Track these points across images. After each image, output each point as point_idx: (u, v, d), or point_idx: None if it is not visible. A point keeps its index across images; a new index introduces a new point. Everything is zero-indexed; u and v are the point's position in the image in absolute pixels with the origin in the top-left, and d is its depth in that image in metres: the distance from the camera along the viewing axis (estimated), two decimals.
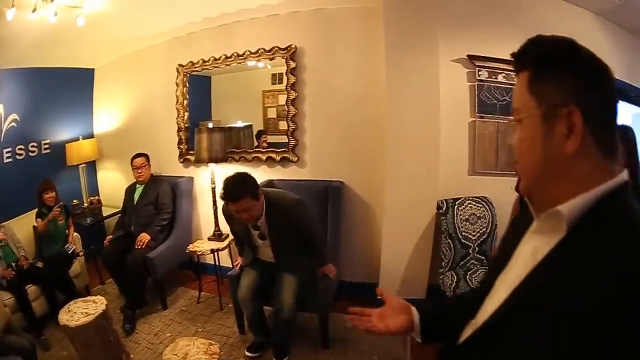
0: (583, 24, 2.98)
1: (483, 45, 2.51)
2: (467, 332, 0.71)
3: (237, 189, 1.98)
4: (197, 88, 3.40)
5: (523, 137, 0.60)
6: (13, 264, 2.73)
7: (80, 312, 2.27)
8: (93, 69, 3.93)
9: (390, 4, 2.45)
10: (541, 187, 0.60)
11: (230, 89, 3.40)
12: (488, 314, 0.64)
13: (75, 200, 3.68)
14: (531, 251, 0.61)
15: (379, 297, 0.91)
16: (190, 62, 3.29)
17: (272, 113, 3.18)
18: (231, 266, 2.78)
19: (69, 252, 3.04)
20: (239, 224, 2.21)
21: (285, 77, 2.91)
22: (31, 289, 2.71)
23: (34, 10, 2.31)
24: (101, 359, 2.31)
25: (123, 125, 3.83)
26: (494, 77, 2.57)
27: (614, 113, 0.57)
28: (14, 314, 2.54)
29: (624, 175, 0.56)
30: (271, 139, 3.18)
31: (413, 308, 0.83)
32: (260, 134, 3.21)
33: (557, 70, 0.56)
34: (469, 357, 0.68)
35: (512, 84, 2.39)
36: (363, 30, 2.71)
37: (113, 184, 3.84)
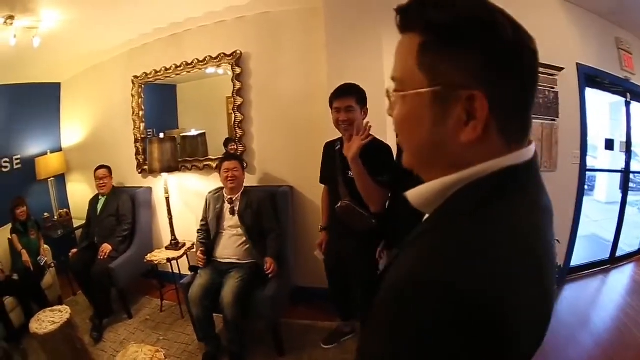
0: (548, 11, 2.85)
1: None
2: None
3: (233, 155, 2.65)
4: (163, 97, 3.43)
5: (405, 116, 0.50)
6: None
7: (48, 320, 2.38)
8: (59, 83, 4.02)
9: (331, 3, 2.40)
10: (423, 165, 0.52)
11: (195, 96, 3.41)
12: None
13: (46, 214, 3.78)
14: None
15: None
16: (144, 73, 3.32)
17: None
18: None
19: (41, 263, 3.14)
20: (216, 200, 2.57)
21: (231, 84, 2.89)
22: (8, 301, 2.82)
23: None
24: None
25: (88, 138, 3.91)
26: None
27: (529, 101, 0.47)
28: None
29: (513, 157, 0.45)
30: None
31: None
32: (227, 141, 3.17)
33: (462, 44, 0.44)
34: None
35: None
36: (307, 32, 2.67)
37: (82, 196, 3.91)
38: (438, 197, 0.48)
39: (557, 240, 2.18)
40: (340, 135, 1.94)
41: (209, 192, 2.68)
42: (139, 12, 2.76)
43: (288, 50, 2.75)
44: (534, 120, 2.28)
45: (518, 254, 0.40)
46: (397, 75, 0.51)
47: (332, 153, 2.08)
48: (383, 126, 2.07)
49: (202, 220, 2.67)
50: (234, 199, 2.51)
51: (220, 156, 2.94)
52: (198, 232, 2.66)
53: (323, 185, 2.28)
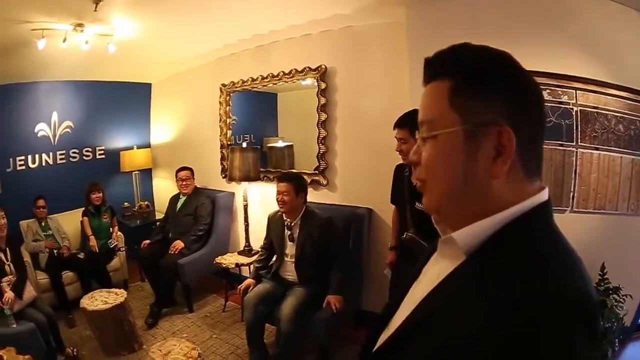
0: (635, 31, 2.55)
1: (521, 58, 2.19)
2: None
3: (287, 176, 2.42)
4: (264, 105, 3.53)
5: (437, 155, 0.53)
6: (55, 251, 3.15)
7: (100, 299, 2.60)
8: (150, 84, 4.32)
9: (414, 18, 2.30)
10: (451, 207, 0.54)
11: (293, 106, 3.44)
12: (391, 330, 0.61)
13: (126, 203, 4.06)
14: (437, 272, 0.57)
15: None
16: (232, 81, 3.46)
17: None
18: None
19: (111, 247, 3.40)
20: (277, 223, 2.45)
21: (316, 99, 2.90)
22: (68, 275, 3.14)
23: (64, 40, 2.53)
24: (113, 343, 2.59)
25: (175, 138, 4.15)
26: None
27: (543, 136, 0.53)
28: (46, 292, 3.02)
29: (543, 195, 0.51)
30: None
31: None
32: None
33: (489, 86, 0.50)
34: None
35: (559, 102, 2.06)
36: (391, 47, 2.57)
37: (166, 191, 4.09)
38: (487, 235, 0.50)
39: (630, 295, 1.95)
40: None
41: (271, 213, 2.58)
42: (221, 25, 2.84)
43: (373, 66, 2.70)
44: (623, 156, 1.92)
45: (581, 262, 0.48)
46: (428, 118, 0.54)
47: (401, 176, 2.07)
48: None
49: (264, 240, 2.62)
50: (292, 224, 2.36)
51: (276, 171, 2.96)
52: (260, 251, 2.65)
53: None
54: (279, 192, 2.32)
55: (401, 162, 2.11)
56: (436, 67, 0.55)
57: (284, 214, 2.40)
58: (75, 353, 2.59)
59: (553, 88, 2.15)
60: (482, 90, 0.50)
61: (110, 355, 2.58)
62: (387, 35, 2.59)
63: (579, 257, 0.48)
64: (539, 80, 2.28)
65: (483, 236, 0.49)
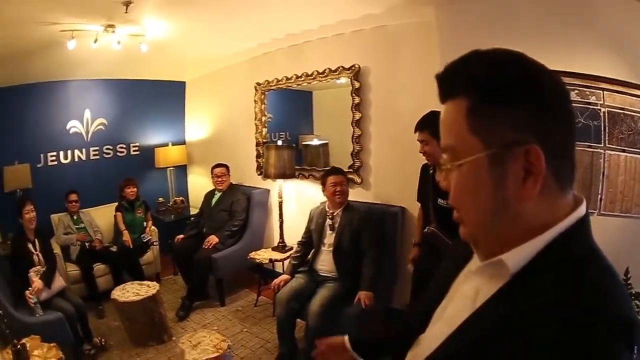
0: None
1: (551, 58, 2.08)
2: None
3: (338, 170, 2.58)
4: (299, 103, 3.58)
5: (464, 185, 0.49)
6: (87, 244, 3.27)
7: (132, 291, 2.67)
8: (184, 82, 4.42)
9: (443, 18, 2.29)
10: (488, 233, 0.51)
11: (328, 105, 3.48)
12: (426, 350, 0.58)
13: (160, 198, 4.18)
14: (472, 292, 0.54)
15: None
16: (266, 80, 3.51)
17: None
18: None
19: (144, 241, 3.50)
20: (319, 215, 2.57)
21: (350, 98, 2.92)
22: (99, 267, 3.24)
23: (95, 41, 2.57)
24: (143, 334, 2.65)
25: (210, 135, 4.24)
26: None
27: (574, 138, 0.48)
28: (76, 283, 3.13)
29: (582, 209, 0.48)
30: None
31: (345, 338, 0.89)
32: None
33: (511, 101, 0.44)
34: None
35: (587, 103, 2.03)
36: (423, 47, 2.55)
37: (201, 187, 4.18)
38: (531, 256, 0.47)
39: None
40: None
41: (313, 207, 2.71)
42: (254, 24, 2.87)
43: (406, 65, 2.69)
44: None
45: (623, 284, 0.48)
46: (449, 143, 0.50)
47: (427, 175, 2.13)
48: None
49: (304, 234, 2.71)
50: (334, 214, 2.50)
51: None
52: (298, 245, 2.72)
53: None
54: (335, 184, 2.44)
55: (425, 162, 2.15)
56: (448, 85, 0.50)
57: (330, 205, 2.52)
58: (102, 343, 2.64)
59: (581, 89, 2.12)
60: (502, 106, 0.45)
61: (139, 345, 2.64)
62: (418, 35, 2.59)
63: (618, 274, 0.48)
64: (567, 80, 2.27)
65: (528, 258, 0.47)
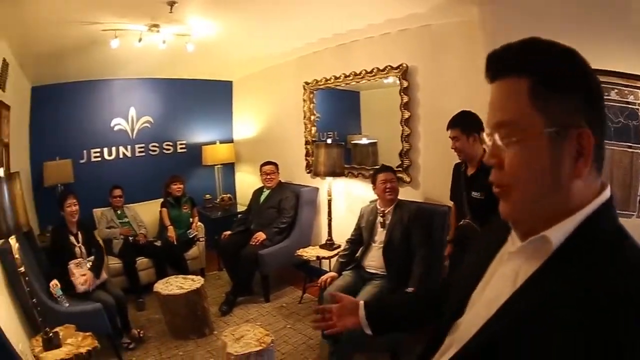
0: None
1: (589, 57, 1.96)
2: (449, 348, 0.65)
3: (388, 167, 2.61)
4: (347, 102, 3.62)
5: (523, 161, 0.52)
6: (130, 238, 3.37)
7: (176, 285, 2.70)
8: (231, 82, 4.56)
9: (487, 17, 2.26)
10: (535, 210, 0.53)
11: (376, 104, 3.49)
12: (465, 334, 0.59)
13: (207, 195, 4.32)
14: (512, 273, 0.56)
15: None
16: (315, 79, 3.56)
17: None
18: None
19: (190, 236, 3.59)
20: (370, 212, 2.60)
21: (397, 97, 2.91)
22: (142, 261, 3.32)
23: (139, 40, 2.59)
24: (184, 327, 2.68)
25: (258, 134, 4.34)
26: (605, 94, 2.08)
27: (606, 130, 0.54)
28: (118, 276, 3.20)
29: (607, 192, 0.53)
30: None
31: (361, 304, 0.91)
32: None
33: (569, 86, 0.50)
34: None
35: (626, 102, 1.97)
36: (469, 46, 2.51)
37: (249, 185, 4.28)
38: (570, 232, 0.50)
39: None
40: None
41: (364, 205, 2.72)
42: (301, 24, 2.89)
43: (450, 65, 2.66)
44: None
45: None
46: (507, 119, 0.52)
47: (458, 173, 2.23)
48: None
49: (353, 231, 2.71)
50: (385, 212, 2.51)
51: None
52: (346, 243, 2.73)
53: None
54: (385, 181, 2.48)
55: (458, 161, 2.25)
56: (506, 63, 0.53)
57: (381, 203, 2.54)
58: (141, 335, 2.68)
59: (620, 88, 2.04)
60: (562, 90, 0.49)
61: (179, 338, 2.67)
62: (462, 34, 2.56)
63: None
64: (607, 79, 2.19)
65: (566, 234, 0.50)
